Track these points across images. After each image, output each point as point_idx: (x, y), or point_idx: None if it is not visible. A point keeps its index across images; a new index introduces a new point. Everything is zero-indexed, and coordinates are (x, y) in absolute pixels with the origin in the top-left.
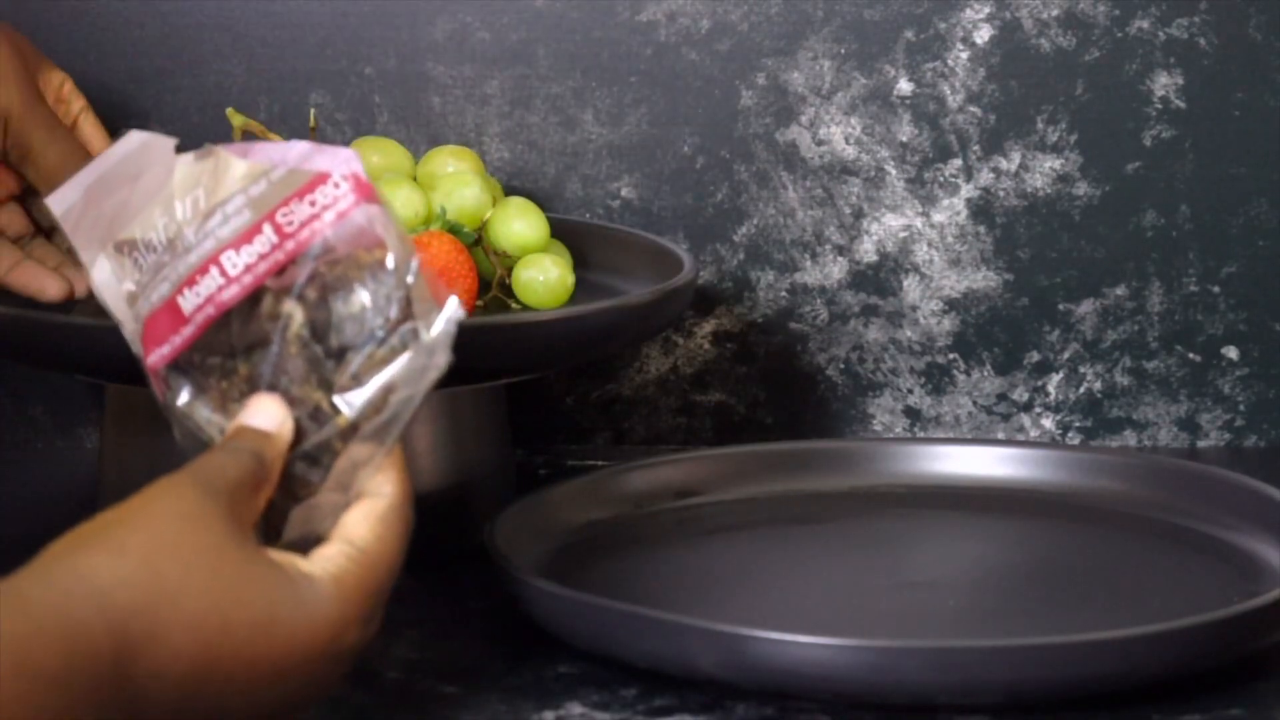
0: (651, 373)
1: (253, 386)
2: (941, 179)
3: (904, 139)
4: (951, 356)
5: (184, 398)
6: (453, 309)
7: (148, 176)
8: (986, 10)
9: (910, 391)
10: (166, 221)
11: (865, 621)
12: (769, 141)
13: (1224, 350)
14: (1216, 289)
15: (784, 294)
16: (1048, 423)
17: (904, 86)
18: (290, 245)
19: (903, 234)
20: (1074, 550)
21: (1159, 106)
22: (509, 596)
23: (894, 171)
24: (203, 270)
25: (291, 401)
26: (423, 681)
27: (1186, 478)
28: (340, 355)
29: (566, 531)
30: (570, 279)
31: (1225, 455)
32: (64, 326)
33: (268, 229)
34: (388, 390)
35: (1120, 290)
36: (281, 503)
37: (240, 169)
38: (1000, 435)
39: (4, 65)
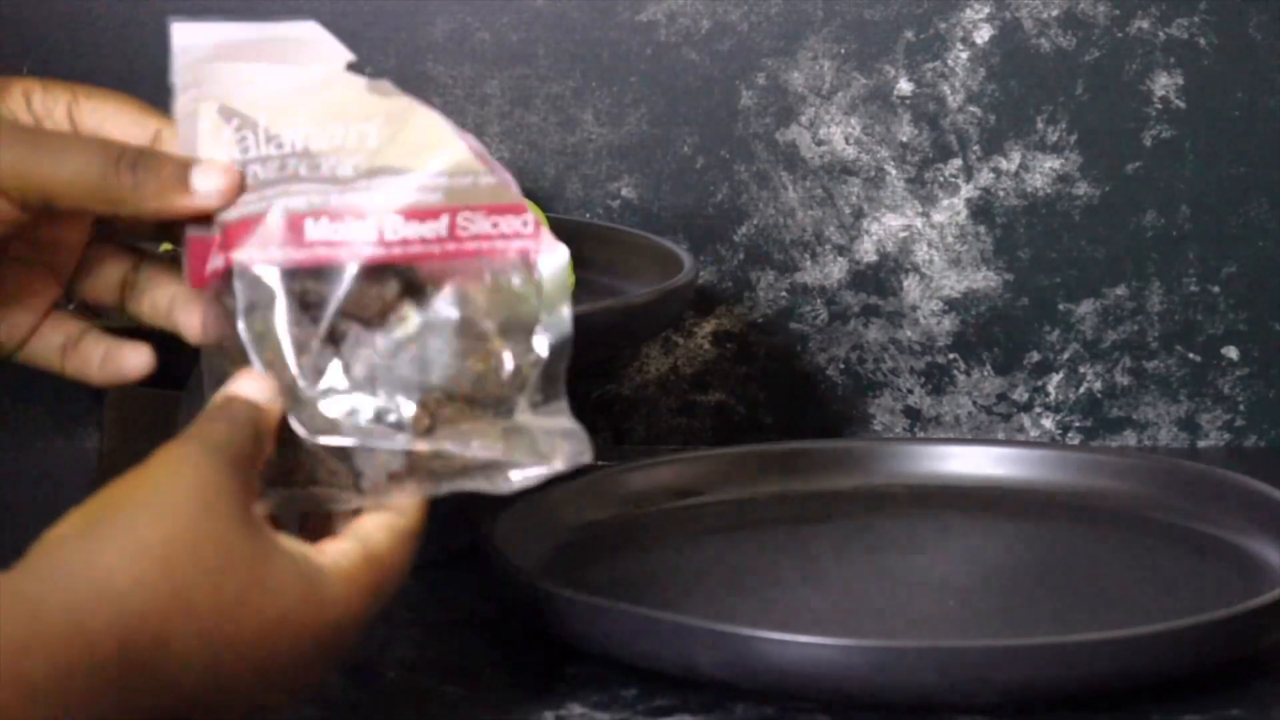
0: (651, 373)
1: (327, 352)
2: (941, 179)
3: (904, 139)
4: (951, 356)
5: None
6: (578, 440)
7: (299, 70)
8: (986, 10)
9: (910, 391)
10: (314, 132)
11: (865, 621)
12: (769, 141)
13: (1224, 350)
14: (1216, 289)
15: (784, 294)
16: (1048, 423)
17: (904, 86)
18: (451, 248)
19: (903, 234)
20: (1074, 550)
21: (1159, 106)
22: (509, 597)
23: (894, 171)
24: (357, 214)
25: (364, 393)
26: (423, 681)
27: (1186, 478)
28: (437, 389)
29: (566, 531)
30: (570, 279)
31: (1225, 455)
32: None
33: (445, 220)
34: (470, 447)
35: (1120, 290)
36: (298, 480)
37: (447, 143)
38: (1000, 435)
39: None
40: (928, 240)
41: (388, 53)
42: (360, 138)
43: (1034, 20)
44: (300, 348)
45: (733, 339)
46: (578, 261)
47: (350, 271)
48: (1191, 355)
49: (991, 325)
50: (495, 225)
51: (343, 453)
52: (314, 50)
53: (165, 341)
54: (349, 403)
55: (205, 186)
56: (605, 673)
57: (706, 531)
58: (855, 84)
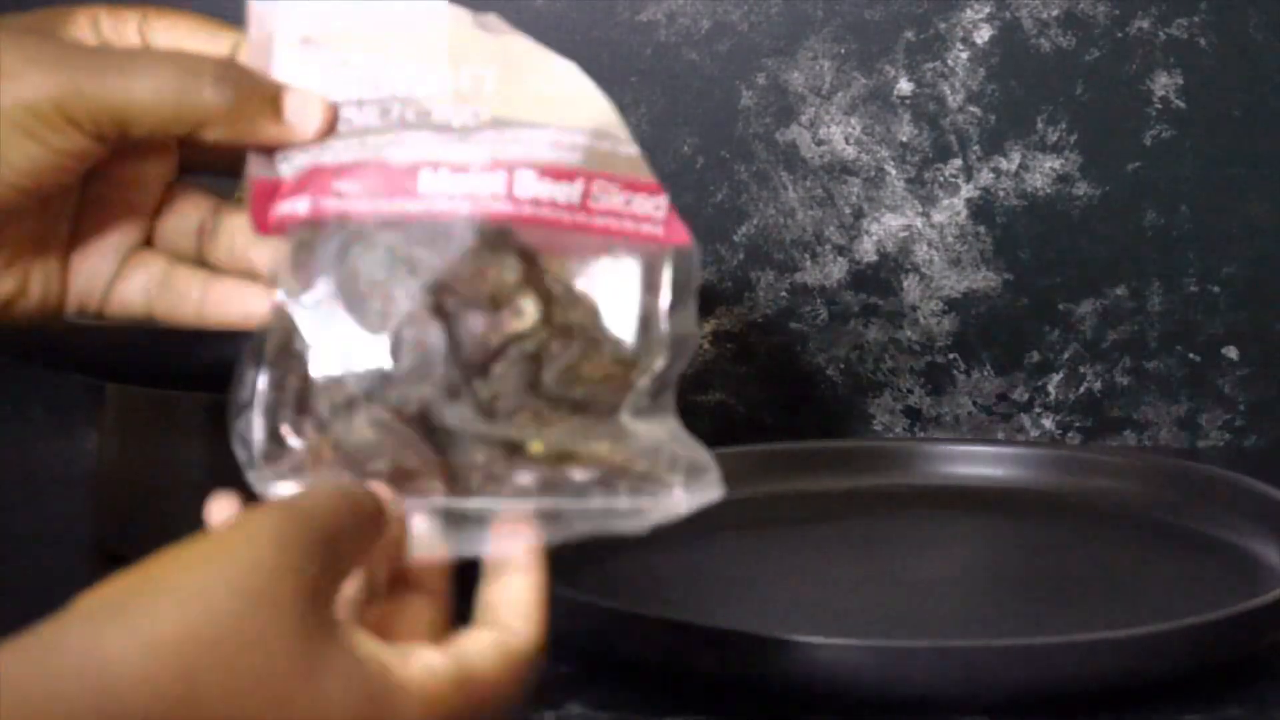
0: None
1: (431, 328)
2: (941, 179)
3: (904, 139)
4: (951, 356)
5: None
6: (711, 480)
7: (398, 5)
8: (986, 10)
9: (910, 391)
10: (419, 74)
11: (865, 621)
12: (769, 141)
13: (1224, 350)
14: (1216, 289)
15: (784, 294)
16: (1048, 423)
17: (904, 86)
18: (581, 219)
19: (903, 234)
20: (1074, 550)
21: (1159, 106)
22: None
23: (894, 171)
24: (484, 165)
25: (458, 388)
26: None
27: (1186, 478)
28: (562, 405)
29: None
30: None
31: (1225, 455)
32: (64, 327)
33: (579, 186)
34: (587, 453)
35: (1120, 290)
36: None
37: (589, 98)
38: (1000, 435)
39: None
40: (928, 240)
41: None
42: (475, 83)
43: (1034, 20)
44: (401, 318)
45: (733, 339)
46: None
47: (466, 234)
48: (1191, 355)
49: (991, 325)
50: (628, 203)
51: (438, 438)
52: None
53: (167, 341)
54: (448, 382)
55: (298, 117)
56: (605, 673)
57: (706, 531)
58: (855, 84)
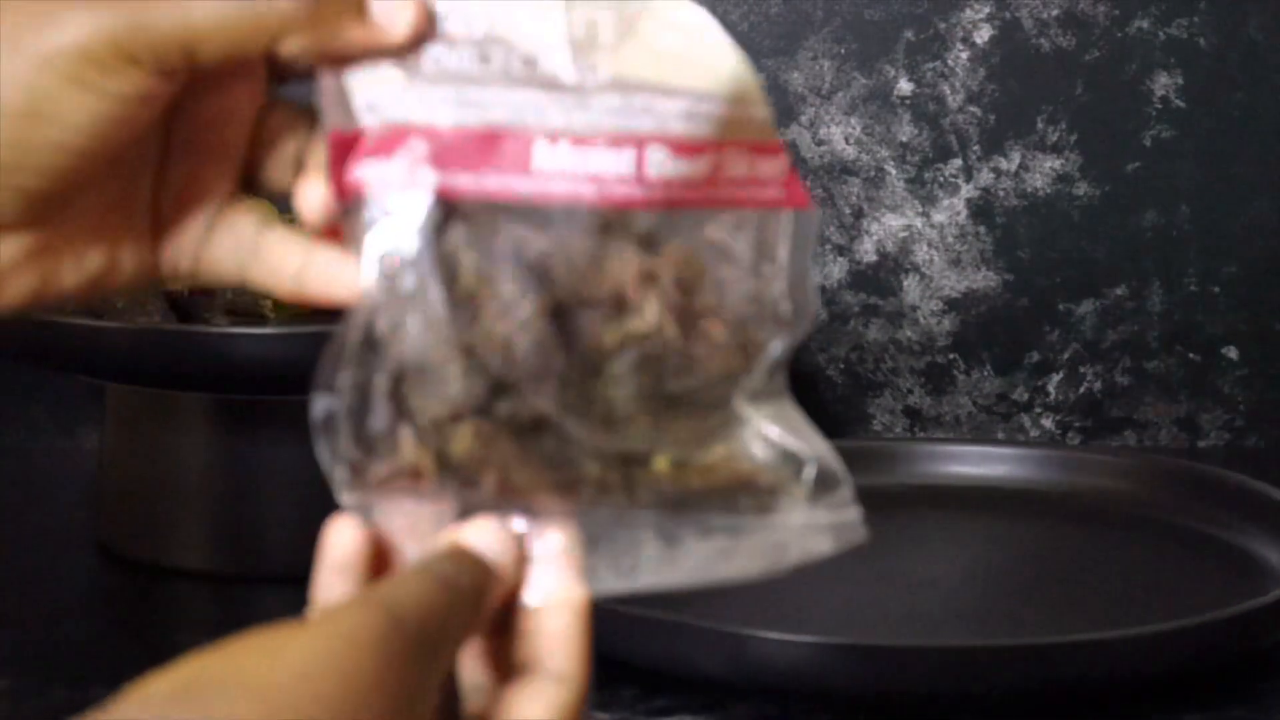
0: None
1: (544, 329)
2: (941, 179)
3: (904, 139)
4: (951, 356)
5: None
6: (847, 503)
7: None
8: (986, 10)
9: (910, 391)
10: (520, 13)
11: (865, 621)
12: None
13: (1224, 350)
14: (1216, 289)
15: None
16: (1048, 423)
17: (904, 86)
18: (707, 194)
19: (903, 234)
20: (1074, 550)
21: (1159, 106)
22: None
23: (894, 171)
24: (610, 139)
25: (569, 402)
26: None
27: (1186, 478)
28: (680, 404)
29: None
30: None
31: (1225, 455)
32: (64, 326)
33: (709, 160)
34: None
35: (1120, 290)
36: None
37: (722, 55)
38: (1000, 435)
39: None
40: (928, 240)
41: None
42: (590, 29)
43: (1034, 20)
44: (510, 319)
45: None
46: None
47: (588, 224)
48: (1191, 355)
49: (991, 325)
50: (751, 169)
51: (549, 450)
52: None
53: (167, 341)
54: (564, 390)
55: (386, 15)
56: (605, 673)
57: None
58: (855, 84)
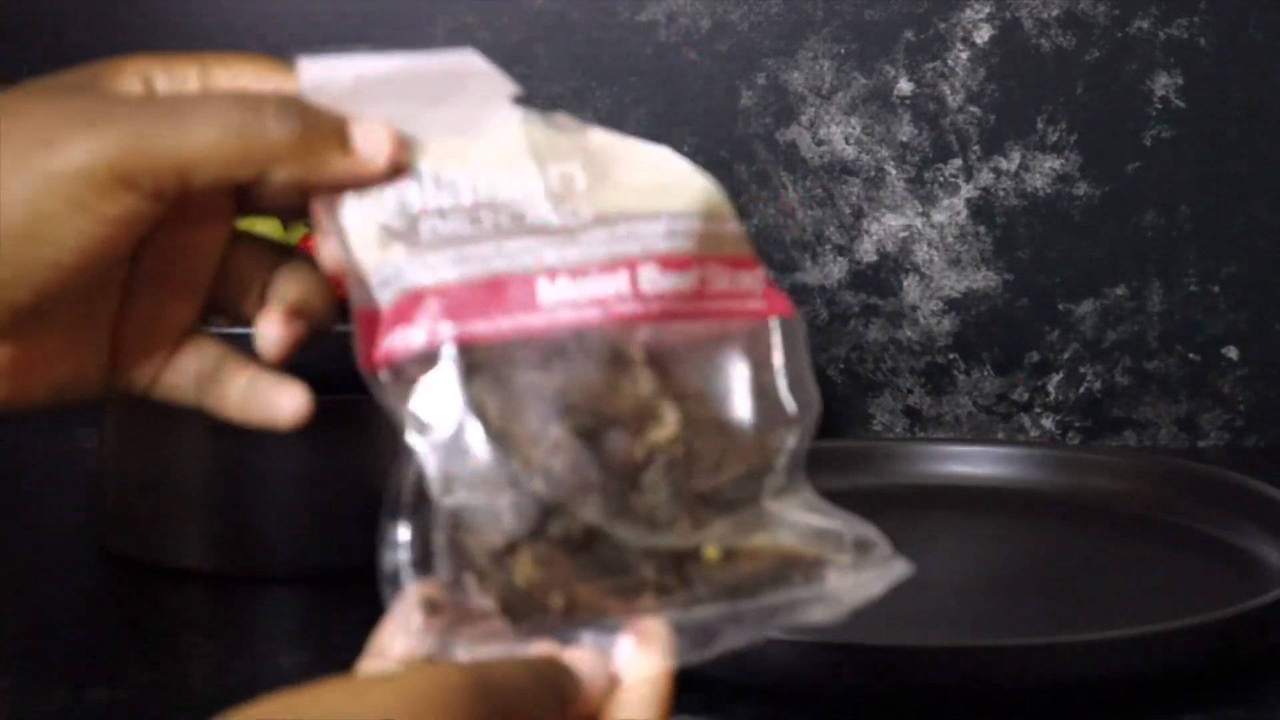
0: None
1: (578, 450)
2: (941, 179)
3: (904, 139)
4: (951, 356)
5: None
6: (895, 568)
7: (458, 108)
8: (986, 10)
9: (910, 391)
10: (499, 178)
11: (865, 621)
12: (769, 141)
13: (1224, 350)
14: (1216, 289)
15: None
16: (1048, 423)
17: (904, 86)
18: (696, 307)
19: (903, 234)
20: (1074, 550)
21: (1159, 106)
22: None
23: (894, 171)
24: (603, 266)
25: (610, 511)
26: None
27: (1186, 478)
28: (713, 503)
29: None
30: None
31: (1225, 455)
32: None
33: (695, 274)
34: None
35: (1120, 290)
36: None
37: (690, 180)
38: (1000, 435)
39: (59, 122)
40: (928, 240)
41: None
42: (565, 181)
43: (1034, 20)
44: (544, 447)
45: None
46: None
47: (599, 346)
48: (1191, 355)
49: (991, 325)
50: (733, 282)
51: (603, 560)
52: (472, 84)
53: None
54: (606, 502)
55: (367, 146)
56: None
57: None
58: (855, 84)
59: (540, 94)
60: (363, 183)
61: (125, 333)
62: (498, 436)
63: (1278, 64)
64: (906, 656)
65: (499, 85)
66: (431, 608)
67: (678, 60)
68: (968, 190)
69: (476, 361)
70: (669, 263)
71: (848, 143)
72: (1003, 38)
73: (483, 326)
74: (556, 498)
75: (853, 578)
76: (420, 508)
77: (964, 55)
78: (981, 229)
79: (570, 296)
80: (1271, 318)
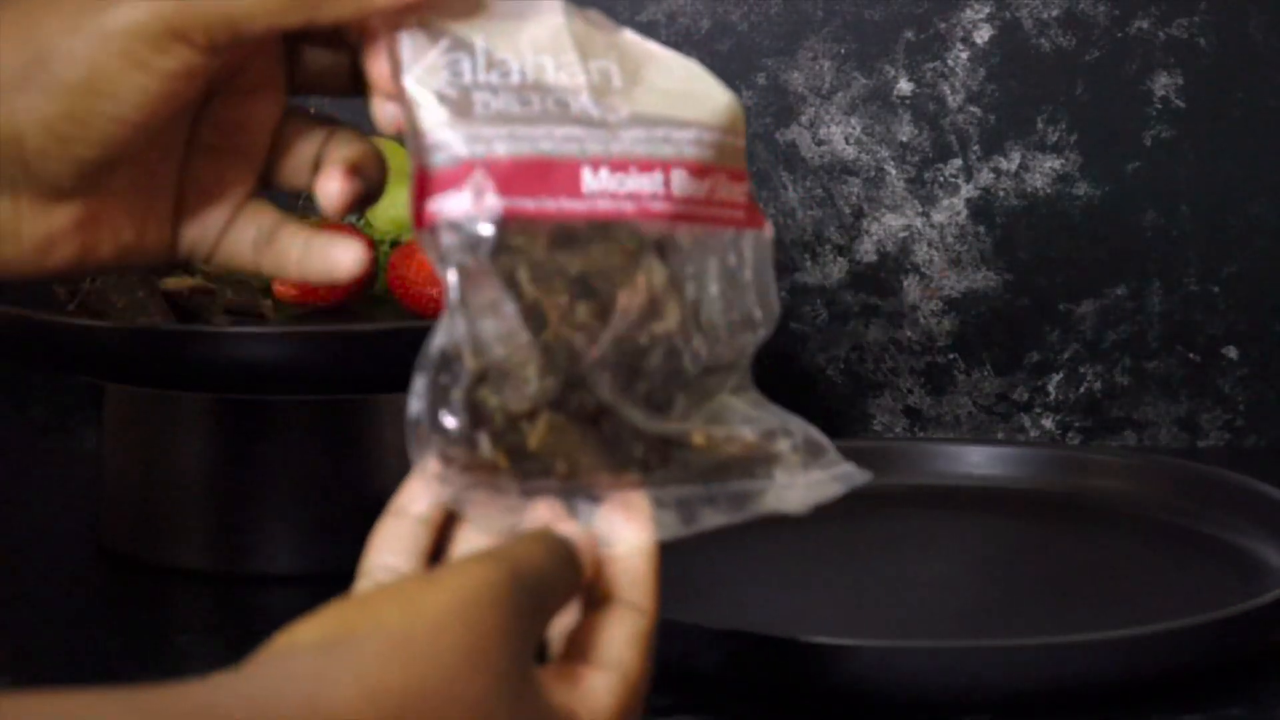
0: None
1: (596, 329)
2: (941, 179)
3: (904, 139)
4: (951, 356)
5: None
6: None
7: None
8: (986, 10)
9: (910, 391)
10: (546, 64)
11: (865, 621)
12: (769, 141)
13: (1224, 350)
14: (1216, 289)
15: (784, 294)
16: (1048, 423)
17: (904, 86)
18: (706, 211)
19: (903, 234)
20: (1074, 550)
21: (1159, 106)
22: None
23: (894, 171)
24: (641, 164)
25: (606, 406)
26: None
27: (1186, 478)
28: (697, 390)
29: None
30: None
31: (1225, 455)
32: (63, 326)
33: (710, 182)
34: (736, 431)
35: (1120, 290)
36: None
37: (716, 93)
38: (1000, 435)
39: None
40: (928, 240)
41: None
42: (604, 76)
43: (1034, 20)
44: (566, 325)
45: None
46: None
47: (630, 238)
48: (1191, 355)
49: (991, 325)
50: (730, 191)
51: (605, 436)
52: None
53: (167, 341)
54: (616, 382)
55: None
56: None
57: (707, 531)
58: (855, 84)
59: None
60: (408, 9)
61: (186, 199)
62: (529, 306)
63: (1278, 64)
64: (907, 656)
65: None
66: (446, 459)
67: None
68: (968, 190)
69: (516, 235)
70: (695, 169)
71: (848, 143)
72: (1003, 38)
73: (529, 204)
74: (578, 372)
75: (803, 475)
76: (451, 364)
77: (964, 55)
78: (981, 229)
79: (610, 188)
80: (1271, 318)
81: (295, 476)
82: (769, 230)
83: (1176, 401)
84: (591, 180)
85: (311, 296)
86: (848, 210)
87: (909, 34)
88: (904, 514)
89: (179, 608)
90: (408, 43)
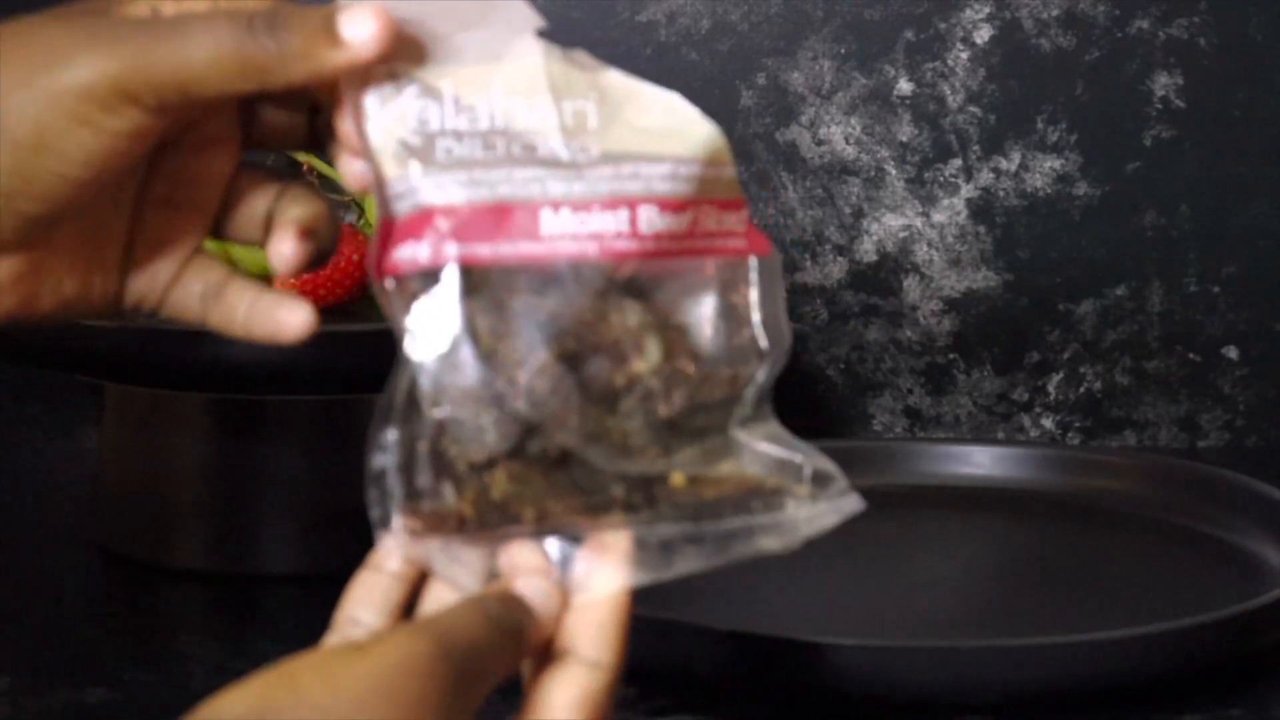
0: None
1: (560, 374)
2: (941, 179)
3: (904, 139)
4: (951, 356)
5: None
6: (837, 479)
7: (485, 34)
8: (986, 10)
9: (910, 391)
10: (516, 107)
11: (865, 621)
12: (769, 141)
13: (1224, 350)
14: (1216, 289)
15: (784, 294)
16: (1048, 423)
17: (904, 86)
18: (688, 244)
19: (903, 234)
20: (1074, 550)
21: (1159, 106)
22: None
23: (894, 171)
24: (605, 203)
25: (586, 436)
26: None
27: (1186, 478)
28: (683, 431)
29: None
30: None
31: (1225, 455)
32: (63, 326)
33: (690, 215)
34: (725, 470)
35: (1120, 290)
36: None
37: (696, 126)
38: (1000, 435)
39: (68, 39)
40: (928, 240)
41: None
42: (578, 117)
43: (1034, 20)
44: (531, 368)
45: None
46: None
47: (594, 279)
48: (1191, 355)
49: (991, 325)
50: (720, 222)
51: (576, 481)
52: (500, 13)
53: (167, 341)
54: (583, 425)
55: (354, 33)
56: None
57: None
58: (855, 84)
59: None
60: (361, 70)
61: (135, 250)
62: (487, 355)
63: (1278, 64)
64: (907, 656)
65: (526, 16)
66: (413, 513)
67: (678, 60)
68: (968, 190)
69: (475, 282)
70: (667, 204)
71: (848, 143)
72: (1003, 38)
73: (485, 249)
74: (537, 418)
75: (809, 508)
76: (410, 416)
77: (964, 55)
78: (981, 229)
79: (571, 229)
80: (1271, 318)
81: (294, 476)
82: (775, 256)
83: (1176, 401)
84: (552, 222)
85: (311, 297)
86: (848, 210)
87: (909, 34)
88: (904, 514)
89: (178, 607)
90: (373, 93)
